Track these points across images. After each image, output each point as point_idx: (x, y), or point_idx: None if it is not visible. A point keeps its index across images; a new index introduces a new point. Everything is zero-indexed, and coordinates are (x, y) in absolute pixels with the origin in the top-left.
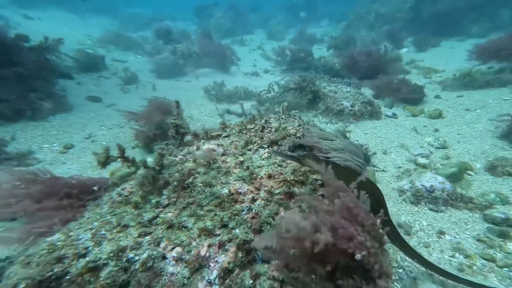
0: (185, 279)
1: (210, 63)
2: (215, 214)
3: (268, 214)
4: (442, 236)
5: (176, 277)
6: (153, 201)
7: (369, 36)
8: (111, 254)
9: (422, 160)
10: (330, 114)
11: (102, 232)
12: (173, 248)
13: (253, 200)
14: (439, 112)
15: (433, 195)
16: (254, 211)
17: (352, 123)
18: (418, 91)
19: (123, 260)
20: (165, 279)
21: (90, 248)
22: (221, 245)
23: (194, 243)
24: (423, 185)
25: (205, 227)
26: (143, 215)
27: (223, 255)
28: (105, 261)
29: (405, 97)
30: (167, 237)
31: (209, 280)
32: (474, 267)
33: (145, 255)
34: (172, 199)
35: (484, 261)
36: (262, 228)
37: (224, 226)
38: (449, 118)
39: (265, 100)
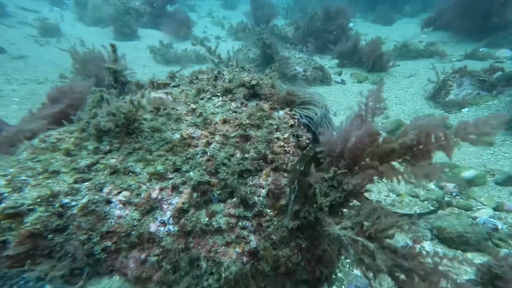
0: (135, 221)
1: (160, 24)
2: (167, 159)
3: (224, 156)
4: (380, 181)
5: (125, 220)
6: (90, 147)
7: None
8: (38, 200)
9: None
10: (284, 79)
11: (22, 177)
12: (119, 193)
13: (208, 143)
14: (381, 78)
15: None
16: (209, 154)
17: (305, 88)
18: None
19: (56, 206)
20: (111, 221)
21: (5, 194)
22: (175, 188)
23: (144, 187)
24: None
25: (155, 171)
26: (78, 161)
27: (177, 197)
28: (30, 207)
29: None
30: (111, 182)
31: (162, 221)
32: (403, 203)
33: (84, 200)
34: (115, 145)
35: (411, 197)
36: (218, 170)
37: (177, 170)
38: (388, 83)
39: (220, 63)
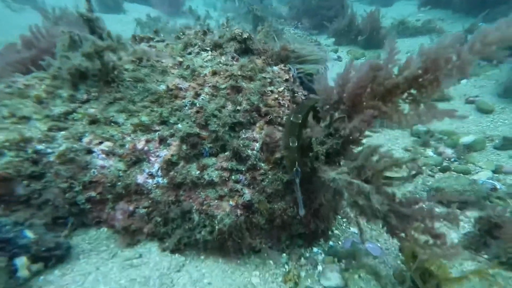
0: (120, 172)
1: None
2: (152, 110)
3: (214, 108)
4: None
5: (109, 170)
6: (65, 95)
7: None
8: (7, 144)
9: None
10: None
11: None
12: (101, 143)
13: (197, 95)
14: (378, 54)
15: None
16: (198, 105)
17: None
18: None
19: (29, 152)
20: (94, 171)
21: None
22: (162, 140)
23: (128, 138)
24: None
25: (140, 122)
26: (52, 108)
27: (165, 150)
28: None
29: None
30: (91, 131)
31: (150, 173)
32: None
33: (62, 148)
34: (93, 94)
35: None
36: (208, 122)
37: (164, 122)
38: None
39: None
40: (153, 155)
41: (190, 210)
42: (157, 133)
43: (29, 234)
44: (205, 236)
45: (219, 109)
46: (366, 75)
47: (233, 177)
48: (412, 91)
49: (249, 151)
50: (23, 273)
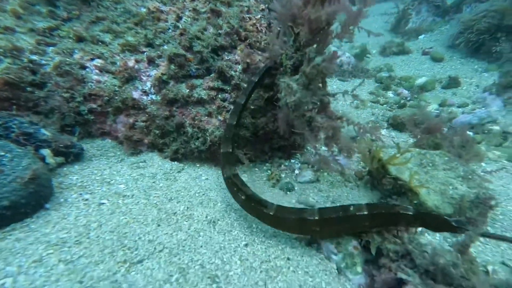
0: (116, 87)
1: None
2: (137, 32)
3: (196, 30)
4: (347, 93)
5: (105, 85)
6: (43, 10)
7: None
8: (1, 50)
9: (335, 49)
10: None
11: None
12: (92, 59)
13: (178, 17)
14: None
15: (341, 68)
16: (181, 27)
17: None
18: None
19: (24, 60)
20: (91, 85)
21: None
22: (151, 61)
23: (117, 57)
24: None
25: (127, 42)
26: (35, 23)
27: (154, 70)
28: None
29: None
30: (81, 48)
31: (143, 90)
32: (365, 105)
33: (56, 60)
34: (74, 12)
35: (372, 103)
36: (192, 43)
37: (150, 44)
38: None
39: None
40: (144, 74)
41: (184, 124)
42: (145, 54)
43: (46, 132)
44: (199, 146)
45: (201, 31)
46: None
47: (219, 95)
48: None
49: (233, 72)
50: (50, 161)
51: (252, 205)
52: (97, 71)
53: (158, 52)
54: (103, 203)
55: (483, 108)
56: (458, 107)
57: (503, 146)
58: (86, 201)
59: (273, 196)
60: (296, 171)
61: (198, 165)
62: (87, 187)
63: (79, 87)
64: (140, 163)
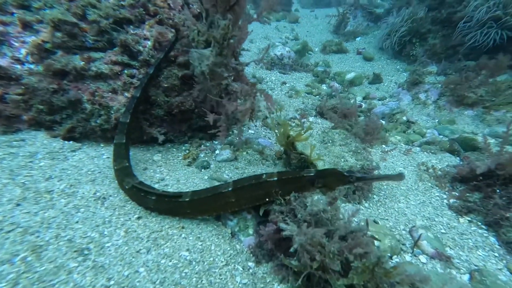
0: None
1: None
2: None
3: None
4: (285, 84)
5: None
6: None
7: None
8: None
9: (278, 44)
10: None
11: None
12: None
13: None
14: (296, 18)
15: (282, 62)
16: None
17: None
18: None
19: None
20: None
21: None
22: (26, 25)
23: None
24: (275, 54)
25: None
26: None
27: (33, 36)
28: None
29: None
30: None
31: (14, 57)
32: (299, 96)
33: None
34: None
35: (306, 94)
36: (86, 11)
37: (24, 6)
38: (302, 23)
39: None
40: (15, 39)
41: (80, 100)
42: (15, 15)
43: None
44: (102, 124)
45: None
46: None
47: (126, 71)
48: None
49: (141, 47)
50: None
51: (165, 201)
52: None
53: (38, 16)
54: None
55: (396, 101)
56: (379, 100)
57: (406, 133)
58: None
59: (186, 174)
60: (217, 151)
61: (102, 145)
62: None
63: None
64: (14, 142)
